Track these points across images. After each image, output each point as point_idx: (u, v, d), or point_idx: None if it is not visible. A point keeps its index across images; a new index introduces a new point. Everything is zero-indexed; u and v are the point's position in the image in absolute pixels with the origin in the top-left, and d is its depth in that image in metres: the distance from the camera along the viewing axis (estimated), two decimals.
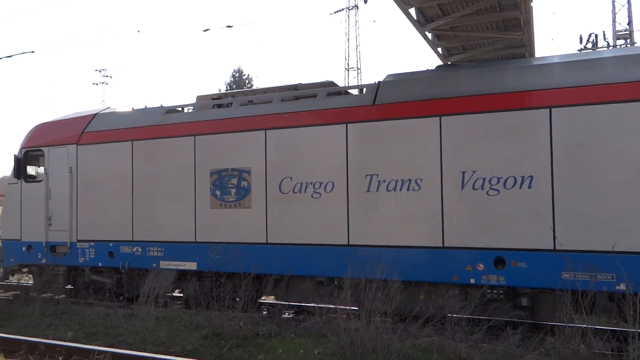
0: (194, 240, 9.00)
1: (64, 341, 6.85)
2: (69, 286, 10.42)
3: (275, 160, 8.44)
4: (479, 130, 7.14)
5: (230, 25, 16.60)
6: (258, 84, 49.51)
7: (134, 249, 9.55)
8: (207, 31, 15.58)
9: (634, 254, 6.23)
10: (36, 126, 11.15)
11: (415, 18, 8.28)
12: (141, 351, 6.30)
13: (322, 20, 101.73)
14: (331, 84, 8.93)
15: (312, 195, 8.09)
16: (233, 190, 8.74)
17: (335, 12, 38.69)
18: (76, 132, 10.40)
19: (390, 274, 6.89)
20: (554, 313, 6.61)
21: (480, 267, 7.00)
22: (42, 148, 10.63)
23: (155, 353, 6.18)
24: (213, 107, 9.50)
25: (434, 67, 8.53)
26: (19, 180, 10.79)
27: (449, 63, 8.74)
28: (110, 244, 9.77)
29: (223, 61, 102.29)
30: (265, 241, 8.40)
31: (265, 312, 8.81)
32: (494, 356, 6.06)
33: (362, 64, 38.35)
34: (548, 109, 6.76)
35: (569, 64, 7.07)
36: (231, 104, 9.32)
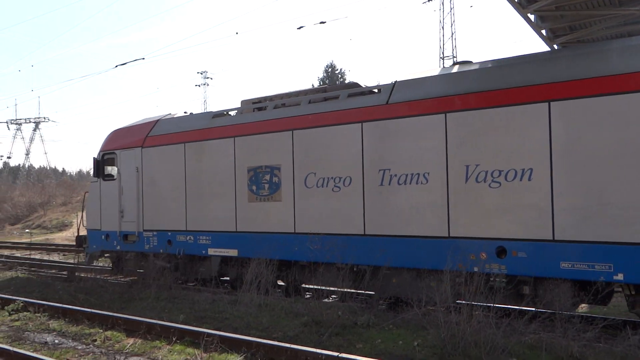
0: (235, 230, 10.03)
1: (177, 323, 7.36)
2: (140, 270, 11.67)
3: (301, 158, 9.18)
4: (479, 125, 7.38)
5: (324, 21, 16.74)
6: (351, 78, 49.68)
7: (187, 238, 10.79)
8: (301, 28, 15.88)
9: (631, 244, 6.25)
10: (111, 132, 12.88)
11: (516, 0, 7.86)
12: (246, 335, 6.60)
13: (415, 10, 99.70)
14: (355, 85, 9.38)
15: (332, 189, 8.75)
16: (266, 185, 9.64)
17: (428, 1, 37.59)
18: (141, 136, 11.91)
19: (401, 261, 7.85)
20: (556, 302, 6.72)
21: (483, 256, 7.26)
22: (115, 151, 12.29)
23: (259, 338, 6.45)
24: (253, 111, 10.30)
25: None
26: (98, 179, 12.60)
27: (459, 62, 8.88)
28: (169, 233, 11.13)
29: (316, 57, 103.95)
30: (293, 231, 9.17)
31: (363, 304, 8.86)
32: (610, 357, 5.62)
33: (457, 52, 36.88)
34: (547, 103, 6.83)
35: (567, 57, 7.10)
36: (266, 107, 10.05)
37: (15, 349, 6.31)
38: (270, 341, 6.18)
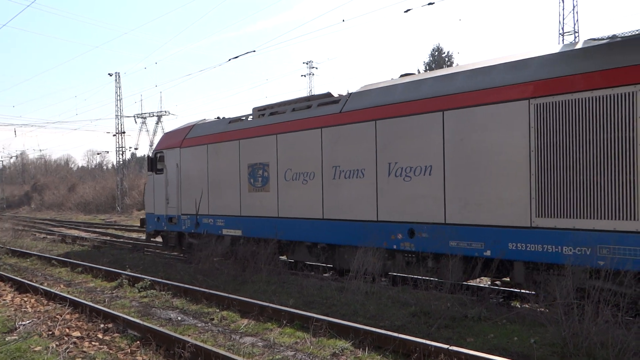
0: (240, 214, 12.45)
1: (287, 307, 7.61)
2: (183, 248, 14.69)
3: (282, 157, 11.28)
4: (398, 130, 8.95)
5: (432, 2, 16.01)
6: (459, 60, 47.74)
7: (209, 220, 13.39)
8: (408, 11, 15.52)
9: (495, 226, 7.61)
10: (163, 134, 16.13)
11: None
12: (353, 322, 6.64)
13: None
14: (328, 95, 11.02)
15: (302, 182, 10.76)
16: (260, 179, 11.88)
17: None
18: (180, 138, 14.66)
19: (350, 240, 9.74)
20: (447, 272, 8.10)
21: (400, 236, 8.90)
22: (163, 150, 15.20)
23: (366, 325, 6.45)
24: (258, 117, 12.31)
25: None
26: (152, 173, 15.59)
27: (404, 74, 10.26)
28: (197, 217, 13.73)
29: (423, 40, 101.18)
30: (277, 215, 11.33)
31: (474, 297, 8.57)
32: None
33: (579, 27, 33.74)
34: (442, 112, 8.30)
35: (455, 75, 8.46)
36: (264, 114, 12.13)
37: (145, 323, 6.92)
38: (378, 329, 6.15)
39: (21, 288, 10.33)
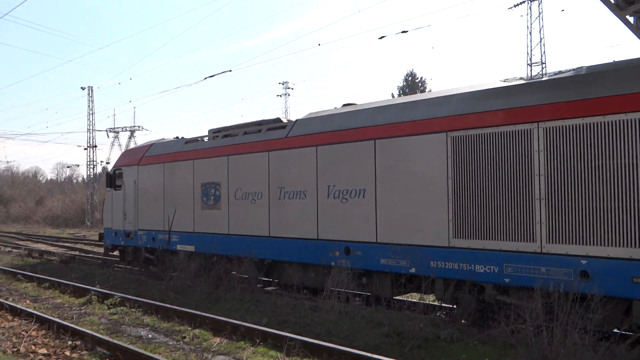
0: (193, 231, 12.85)
1: (260, 326, 7.55)
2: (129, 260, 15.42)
3: (232, 177, 11.77)
4: (336, 155, 9.58)
5: (405, 30, 16.59)
6: (432, 86, 48.78)
7: (165, 236, 13.71)
8: (383, 38, 15.95)
9: (419, 246, 8.22)
10: (122, 152, 17.00)
11: (613, 2, 7.37)
12: (327, 342, 6.63)
13: (500, 16, 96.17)
14: (277, 120, 11.72)
15: (250, 201, 11.26)
16: (212, 197, 12.30)
17: (515, 6, 36.03)
18: (139, 156, 15.11)
19: (292, 257, 10.33)
20: (380, 289, 8.89)
21: (337, 254, 9.42)
22: (122, 167, 15.61)
23: (340, 345, 6.44)
24: (213, 139, 12.82)
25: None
26: (111, 189, 15.98)
27: (346, 104, 10.92)
28: (153, 233, 14.15)
29: (397, 66, 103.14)
30: (227, 232, 11.79)
31: (444, 315, 8.65)
32: None
33: (547, 57, 34.96)
34: (373, 141, 8.95)
35: (385, 107, 9.26)
36: (218, 137, 12.68)
37: (114, 341, 6.77)
38: (352, 349, 6.16)
39: None
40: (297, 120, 10.86)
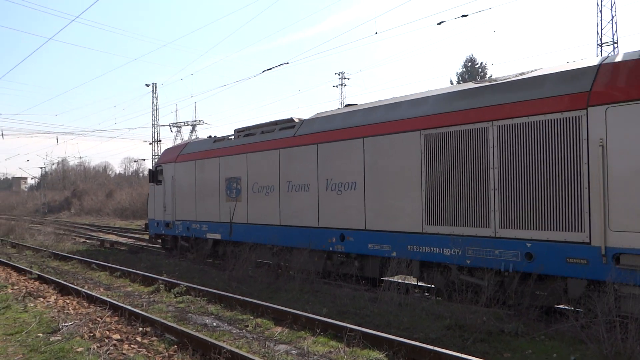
0: (219, 220, 14.46)
1: (320, 316, 7.64)
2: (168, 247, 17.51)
3: (250, 172, 13.31)
4: (333, 152, 10.81)
5: (466, 14, 15.99)
6: (493, 71, 47.11)
7: (197, 226, 15.51)
8: (442, 24, 15.53)
9: (399, 232, 9.32)
10: (164, 150, 18.91)
11: None
12: (387, 333, 6.62)
13: None
14: (290, 120, 12.73)
15: (266, 194, 12.69)
16: (234, 190, 13.87)
17: None
18: (176, 154, 17.03)
19: (301, 243, 11.36)
20: (371, 272, 10.14)
21: (334, 240, 10.67)
22: (162, 164, 17.60)
23: (400, 337, 6.41)
24: (237, 138, 14.30)
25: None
26: (153, 183, 18.03)
27: (348, 104, 12.09)
28: (187, 222, 15.99)
29: (456, 52, 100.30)
30: (247, 222, 13.36)
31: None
32: None
33: (618, 37, 32.79)
34: (362, 139, 10.09)
35: (372, 109, 10.33)
36: (239, 136, 14.21)
37: (182, 328, 7.07)
38: (413, 342, 6.12)
39: (63, 290, 10.70)
40: (304, 120, 12.15)
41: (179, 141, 70.72)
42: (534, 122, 7.47)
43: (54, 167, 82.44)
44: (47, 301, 9.80)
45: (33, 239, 23.65)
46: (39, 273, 12.75)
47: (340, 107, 11.90)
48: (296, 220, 11.67)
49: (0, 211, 60.72)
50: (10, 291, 10.77)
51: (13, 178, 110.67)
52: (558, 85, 7.34)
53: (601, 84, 6.87)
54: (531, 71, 8.21)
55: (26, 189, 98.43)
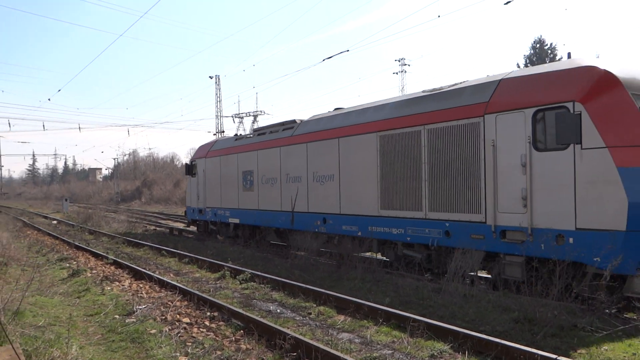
0: (237, 207, 17.28)
1: (383, 306, 7.59)
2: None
3: (260, 166, 15.93)
4: (317, 150, 13.16)
5: None
6: (563, 53, 44.60)
7: (221, 212, 18.41)
8: (509, 3, 14.89)
9: (362, 215, 11.56)
10: (197, 148, 21.95)
11: None
12: (452, 325, 6.49)
13: None
14: (293, 121, 15.02)
15: (271, 185, 15.21)
16: (249, 182, 16.56)
17: None
18: (206, 151, 20.02)
19: (299, 226, 13.84)
20: (345, 249, 11.68)
21: (319, 223, 12.97)
22: (196, 160, 20.79)
23: (466, 329, 6.26)
24: (253, 136, 17.21)
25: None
26: (189, 176, 21.29)
27: (336, 108, 14.34)
28: (215, 209, 18.91)
29: (524, 33, 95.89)
30: (258, 208, 16.01)
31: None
32: None
33: None
34: (337, 139, 12.40)
35: (349, 114, 12.62)
36: (253, 135, 17.20)
37: (247, 314, 7.26)
38: (479, 334, 5.97)
39: (137, 275, 11.28)
40: (301, 121, 14.52)
41: (241, 132, 72.44)
42: (451, 126, 9.42)
43: (125, 158, 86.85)
44: (122, 285, 10.37)
45: (108, 226, 25.07)
46: (114, 258, 13.50)
47: (330, 111, 14.33)
48: (295, 207, 14.04)
49: (79, 200, 64.84)
50: (90, 275, 11.48)
51: (89, 169, 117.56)
52: (471, 96, 9.17)
53: (496, 96, 8.70)
54: (461, 82, 10.00)
55: (101, 179, 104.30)
